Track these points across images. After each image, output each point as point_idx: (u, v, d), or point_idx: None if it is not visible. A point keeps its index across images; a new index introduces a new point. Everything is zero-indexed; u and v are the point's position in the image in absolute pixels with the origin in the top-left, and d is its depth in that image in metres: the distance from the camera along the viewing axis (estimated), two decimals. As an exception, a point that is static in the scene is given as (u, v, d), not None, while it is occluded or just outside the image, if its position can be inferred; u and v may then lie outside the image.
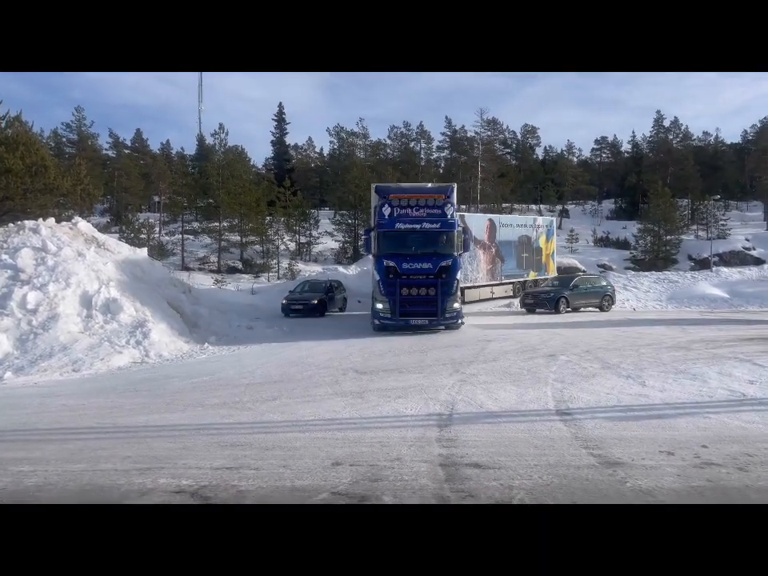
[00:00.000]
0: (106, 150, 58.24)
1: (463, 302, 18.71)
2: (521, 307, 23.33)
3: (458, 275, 15.88)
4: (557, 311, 21.51)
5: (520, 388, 8.10)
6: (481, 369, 9.79)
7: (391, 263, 15.31)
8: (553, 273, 30.13)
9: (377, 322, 15.72)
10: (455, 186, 17.81)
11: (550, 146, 67.66)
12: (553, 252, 30.70)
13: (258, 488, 4.43)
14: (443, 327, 15.80)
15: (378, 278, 15.53)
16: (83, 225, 17.74)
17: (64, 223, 17.64)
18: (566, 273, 32.30)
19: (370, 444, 5.60)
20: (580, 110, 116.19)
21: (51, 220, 17.23)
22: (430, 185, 20.73)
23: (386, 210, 15.39)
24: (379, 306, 15.53)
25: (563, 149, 65.77)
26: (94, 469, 5.00)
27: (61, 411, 7.78)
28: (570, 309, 22.08)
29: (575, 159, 65.79)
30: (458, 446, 5.44)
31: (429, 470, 4.73)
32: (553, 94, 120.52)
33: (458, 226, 16.09)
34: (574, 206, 60.96)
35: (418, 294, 15.23)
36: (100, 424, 6.92)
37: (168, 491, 4.39)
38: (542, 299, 22.34)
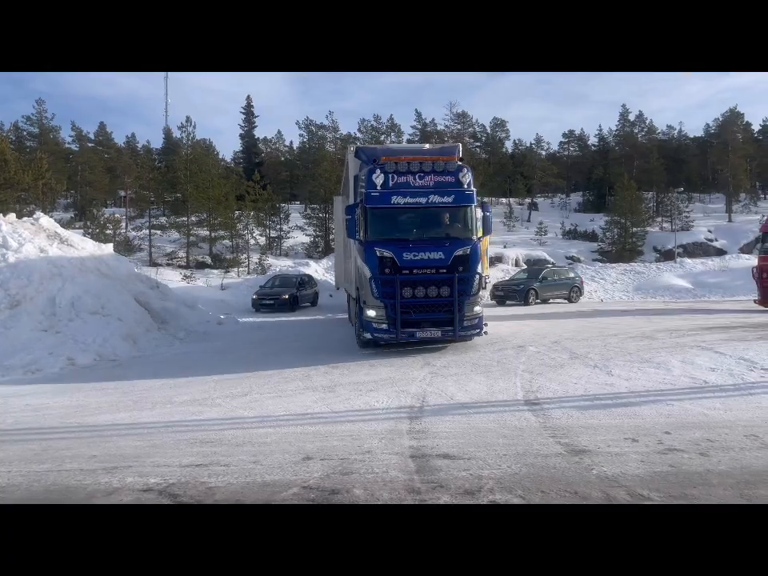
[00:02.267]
0: (68, 143, 56.73)
1: None
2: (491, 299, 23.58)
3: (479, 268, 11.27)
4: (526, 303, 21.81)
5: (489, 379, 8.20)
6: (451, 361, 9.87)
7: (387, 253, 10.73)
8: (487, 272, 29.46)
9: (367, 335, 11.08)
10: (461, 146, 13.79)
11: (518, 140, 67.99)
12: (486, 249, 29.59)
13: (228, 484, 4.40)
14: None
15: (368, 274, 10.84)
16: (45, 220, 17.24)
17: (25, 219, 17.13)
18: (535, 265, 32.70)
19: (341, 438, 5.61)
20: (548, 104, 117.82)
21: (12, 215, 16.72)
22: (427, 146, 15.72)
23: (378, 179, 10.88)
24: (371, 313, 10.87)
25: (532, 142, 66.12)
26: (59, 469, 4.90)
27: (24, 411, 7.58)
28: (539, 300, 22.42)
29: (544, 153, 66.28)
30: (428, 438, 5.48)
31: (399, 462, 4.76)
32: (521, 88, 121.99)
33: (477, 199, 11.61)
34: (542, 199, 61.67)
35: (426, 295, 10.75)
36: (65, 423, 6.77)
37: (135, 489, 4.34)
38: (511, 291, 22.65)
